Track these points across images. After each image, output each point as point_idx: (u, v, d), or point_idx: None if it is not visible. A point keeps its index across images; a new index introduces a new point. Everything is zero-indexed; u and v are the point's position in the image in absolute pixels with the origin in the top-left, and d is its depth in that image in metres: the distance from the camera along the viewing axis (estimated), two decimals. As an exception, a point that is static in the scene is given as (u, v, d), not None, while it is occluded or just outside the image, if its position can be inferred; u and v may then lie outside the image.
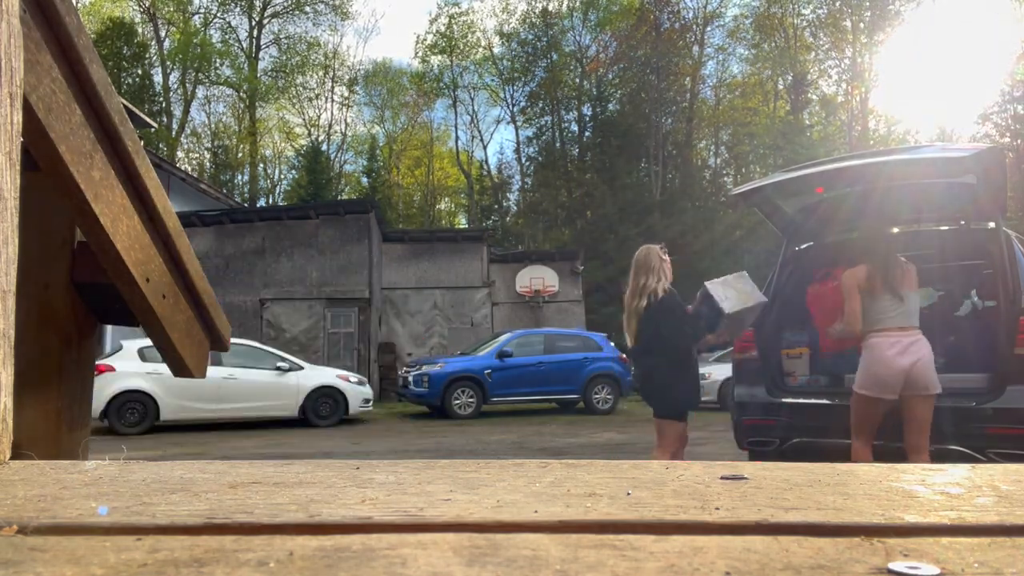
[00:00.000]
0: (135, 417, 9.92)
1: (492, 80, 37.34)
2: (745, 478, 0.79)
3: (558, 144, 35.11)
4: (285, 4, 36.70)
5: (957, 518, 0.61)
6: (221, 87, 36.67)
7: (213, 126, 37.37)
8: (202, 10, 36.11)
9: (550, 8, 36.03)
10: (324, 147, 37.05)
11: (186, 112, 35.60)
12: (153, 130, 26.56)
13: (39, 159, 1.07)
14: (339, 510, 0.62)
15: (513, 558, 0.50)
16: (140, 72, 34.02)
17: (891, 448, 3.74)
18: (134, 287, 1.28)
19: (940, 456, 3.58)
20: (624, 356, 13.97)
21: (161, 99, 34.90)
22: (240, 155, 36.90)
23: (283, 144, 38.70)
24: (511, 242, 32.52)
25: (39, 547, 0.52)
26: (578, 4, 35.72)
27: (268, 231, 16.42)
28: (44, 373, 1.27)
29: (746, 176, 32.10)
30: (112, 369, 9.84)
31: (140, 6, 35.17)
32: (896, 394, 3.58)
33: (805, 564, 0.49)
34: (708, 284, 4.07)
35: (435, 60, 37.50)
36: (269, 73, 36.90)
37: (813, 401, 4.38)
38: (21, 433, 0.98)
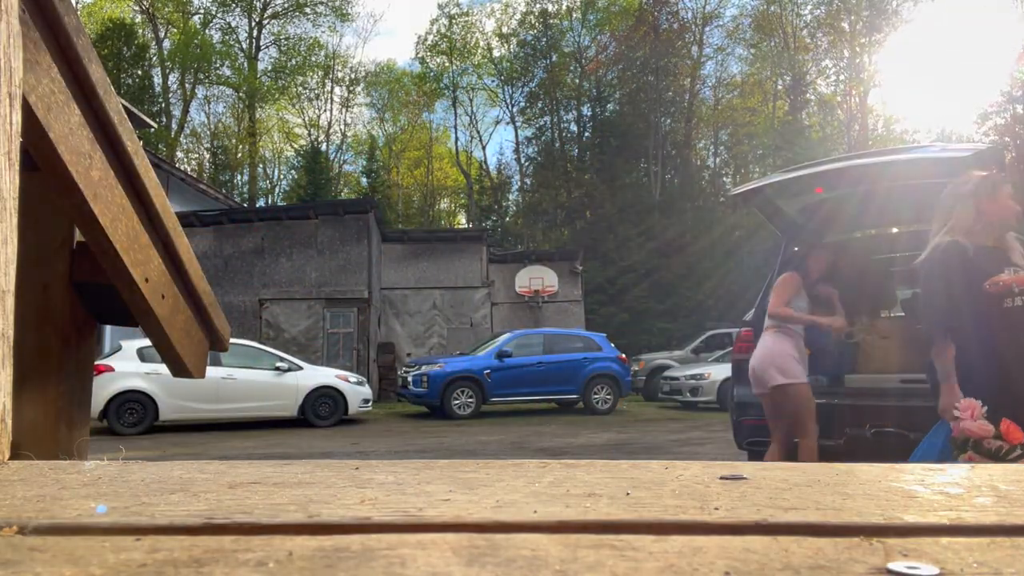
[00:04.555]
0: (134, 417, 9.91)
1: (491, 81, 37.42)
2: (744, 478, 0.79)
3: (557, 144, 35.12)
4: (285, 5, 36.74)
5: (956, 518, 0.61)
6: (221, 87, 36.71)
7: (213, 126, 37.41)
8: (202, 10, 36.15)
9: (549, 9, 36.09)
10: (324, 147, 37.08)
11: (185, 112, 35.63)
12: (152, 130, 26.56)
13: (38, 159, 1.07)
14: (338, 510, 0.62)
15: (512, 558, 0.50)
16: (140, 72, 34.05)
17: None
18: (133, 287, 1.28)
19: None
20: (624, 356, 13.97)
21: (161, 99, 34.91)
22: (240, 155, 36.90)
23: (283, 144, 38.74)
24: (511, 242, 32.54)
25: (38, 547, 0.52)
26: (577, 4, 35.74)
27: (267, 231, 16.42)
28: (43, 373, 1.27)
29: (745, 176, 32.14)
30: (111, 369, 9.84)
31: (140, 7, 35.17)
32: (763, 385, 3.92)
33: (804, 564, 0.49)
34: None
35: (435, 61, 37.58)
36: (269, 74, 36.93)
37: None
38: (21, 433, 0.98)
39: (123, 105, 1.30)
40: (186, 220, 15.26)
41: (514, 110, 36.45)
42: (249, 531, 0.56)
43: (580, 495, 0.70)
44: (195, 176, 24.99)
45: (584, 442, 8.73)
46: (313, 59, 37.41)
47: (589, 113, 35.02)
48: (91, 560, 0.49)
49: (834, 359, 4.49)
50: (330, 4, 36.94)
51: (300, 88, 37.41)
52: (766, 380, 3.87)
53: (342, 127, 38.47)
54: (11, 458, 0.88)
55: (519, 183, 37.36)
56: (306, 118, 37.84)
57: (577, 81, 35.39)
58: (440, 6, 41.53)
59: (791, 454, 3.91)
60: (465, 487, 0.74)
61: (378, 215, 18.22)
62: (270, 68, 37.03)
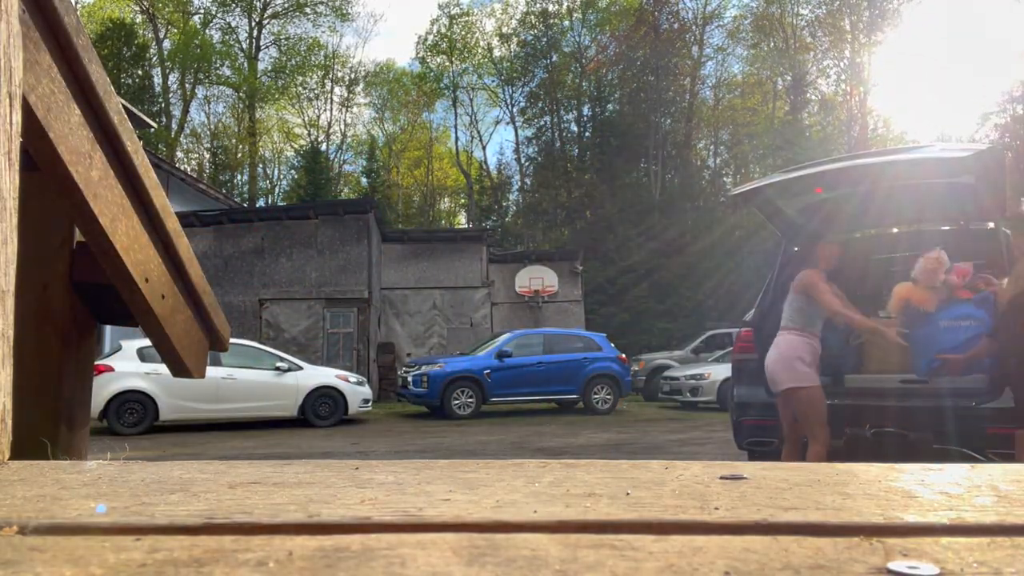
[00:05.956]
0: (134, 417, 9.91)
1: (492, 81, 37.41)
2: (744, 478, 0.79)
3: (557, 144, 35.11)
4: (285, 5, 36.74)
5: (956, 518, 0.61)
6: (221, 87, 36.72)
7: (213, 126, 37.44)
8: (202, 10, 36.15)
9: (549, 9, 36.08)
10: (323, 147, 37.09)
11: (185, 112, 35.64)
12: (152, 130, 26.55)
13: (38, 159, 1.07)
14: (338, 510, 0.62)
15: (512, 558, 0.50)
16: (140, 73, 34.05)
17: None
18: (133, 287, 1.28)
19: (940, 456, 3.59)
20: (624, 356, 13.97)
21: (161, 99, 34.91)
22: (240, 155, 36.91)
23: (283, 144, 38.75)
24: (511, 242, 32.54)
25: (38, 547, 0.52)
26: (577, 5, 35.73)
27: (267, 231, 16.42)
28: (44, 373, 1.27)
29: (746, 176, 32.12)
30: (111, 369, 9.84)
31: (140, 7, 35.17)
32: (775, 387, 3.95)
33: (804, 564, 0.49)
34: None
35: (435, 61, 37.59)
36: (269, 73, 36.93)
37: None
38: (21, 433, 0.98)
39: (123, 105, 1.30)
40: (186, 220, 15.26)
41: (514, 110, 36.47)
42: (249, 531, 0.56)
43: (580, 495, 0.70)
44: (195, 176, 24.99)
45: (584, 442, 8.73)
46: (313, 59, 37.45)
47: (589, 113, 35.02)
48: (91, 560, 0.49)
49: (835, 359, 4.49)
50: (330, 4, 36.97)
51: (300, 88, 37.44)
52: (776, 382, 3.92)
53: (342, 127, 38.53)
54: (11, 458, 0.88)
55: (519, 183, 37.40)
56: (306, 118, 37.89)
57: (577, 81, 35.37)
58: (440, 6, 41.57)
59: (803, 457, 3.91)
60: (465, 487, 0.73)
61: (378, 215, 18.22)
62: (270, 68, 37.07)
